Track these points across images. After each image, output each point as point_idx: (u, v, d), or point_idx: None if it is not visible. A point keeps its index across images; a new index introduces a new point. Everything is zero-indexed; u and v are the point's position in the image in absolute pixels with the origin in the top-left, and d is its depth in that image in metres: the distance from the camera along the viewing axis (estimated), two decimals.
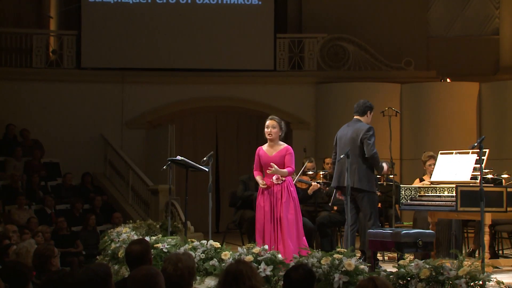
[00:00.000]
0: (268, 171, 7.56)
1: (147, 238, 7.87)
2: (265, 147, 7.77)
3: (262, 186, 7.68)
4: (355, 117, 8.08)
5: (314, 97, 15.48)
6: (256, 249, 6.80)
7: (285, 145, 7.75)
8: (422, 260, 6.07)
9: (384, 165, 8.05)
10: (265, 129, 7.74)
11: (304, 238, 7.68)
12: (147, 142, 15.42)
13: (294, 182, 8.89)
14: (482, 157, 7.17)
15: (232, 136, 16.56)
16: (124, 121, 15.37)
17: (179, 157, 8.55)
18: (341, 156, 7.82)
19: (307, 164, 10.08)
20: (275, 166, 7.52)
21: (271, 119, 7.76)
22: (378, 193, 8.64)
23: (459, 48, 16.17)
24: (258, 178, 7.78)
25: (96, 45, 15.40)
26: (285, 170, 7.60)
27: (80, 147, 14.98)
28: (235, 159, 16.46)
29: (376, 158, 7.82)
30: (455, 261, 5.94)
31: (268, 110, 14.79)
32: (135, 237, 8.25)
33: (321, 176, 9.68)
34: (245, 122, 16.56)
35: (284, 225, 7.52)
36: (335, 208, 9.67)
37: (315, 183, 9.19)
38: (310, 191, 9.21)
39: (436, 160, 8.43)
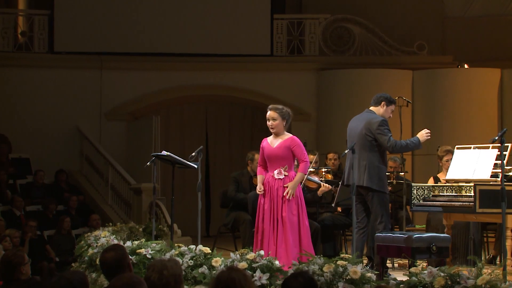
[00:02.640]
0: (287, 196, 7.56)
1: (128, 243, 7.89)
2: (270, 138, 7.85)
3: (259, 191, 7.71)
4: (370, 108, 8.12)
5: (315, 85, 15.47)
6: (251, 255, 6.81)
7: (290, 135, 7.79)
8: (436, 267, 6.08)
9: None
10: (267, 122, 7.80)
11: (311, 243, 7.67)
12: (129, 136, 15.40)
13: (304, 179, 8.91)
14: (504, 152, 7.18)
15: (224, 129, 16.55)
16: (102, 112, 15.34)
17: (164, 152, 8.56)
18: (345, 152, 7.83)
19: (309, 156, 10.08)
20: (289, 185, 7.55)
21: (270, 109, 7.81)
22: (389, 188, 8.64)
23: (478, 29, 16.16)
24: (259, 178, 7.80)
25: (71, 27, 15.35)
26: (298, 174, 7.62)
27: (53, 141, 14.95)
28: (227, 155, 16.46)
29: (404, 147, 7.88)
30: (473, 268, 5.95)
31: (264, 99, 14.78)
32: (115, 242, 8.25)
33: (324, 173, 9.69)
34: (239, 113, 16.55)
35: (287, 227, 7.51)
36: (339, 209, 9.68)
37: (327, 184, 9.16)
38: (319, 193, 9.20)
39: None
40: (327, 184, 9.16)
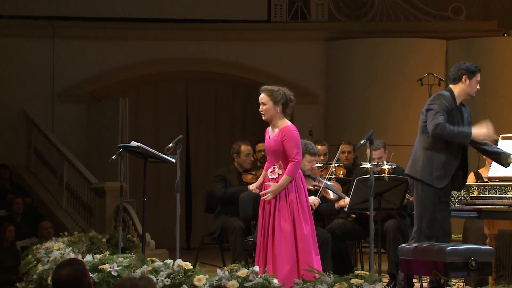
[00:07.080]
0: (264, 198, 7.63)
1: (89, 257, 7.89)
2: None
3: (252, 189, 7.85)
4: (449, 85, 7.99)
5: (324, 58, 15.49)
6: (243, 272, 6.83)
7: (286, 124, 7.75)
8: (476, 287, 6.10)
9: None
10: None
11: (319, 257, 7.68)
12: (89, 122, 15.39)
13: (322, 187, 8.92)
14: None
15: (209, 113, 16.57)
16: (55, 91, 15.33)
17: (134, 143, 8.55)
18: (361, 142, 7.82)
19: (316, 147, 10.10)
20: (271, 187, 7.58)
21: (260, 91, 7.84)
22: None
23: None
24: (263, 174, 7.89)
25: None
26: (284, 177, 7.58)
27: None
28: (212, 146, 16.48)
29: (441, 133, 7.61)
30: None
31: (259, 77, 14.80)
32: (72, 256, 8.26)
33: (333, 168, 9.69)
34: (227, 95, 16.57)
35: (276, 238, 7.55)
36: (353, 215, 9.69)
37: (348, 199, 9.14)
38: (337, 206, 9.19)
39: None
40: (348, 199, 9.12)
